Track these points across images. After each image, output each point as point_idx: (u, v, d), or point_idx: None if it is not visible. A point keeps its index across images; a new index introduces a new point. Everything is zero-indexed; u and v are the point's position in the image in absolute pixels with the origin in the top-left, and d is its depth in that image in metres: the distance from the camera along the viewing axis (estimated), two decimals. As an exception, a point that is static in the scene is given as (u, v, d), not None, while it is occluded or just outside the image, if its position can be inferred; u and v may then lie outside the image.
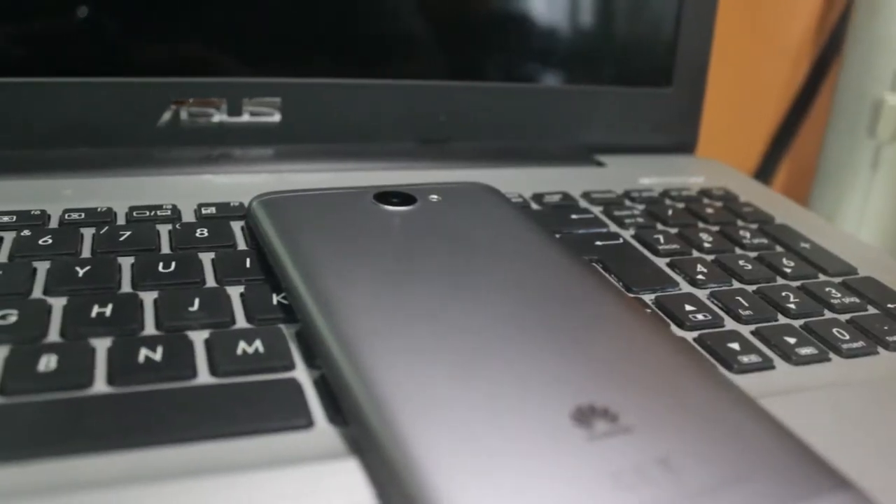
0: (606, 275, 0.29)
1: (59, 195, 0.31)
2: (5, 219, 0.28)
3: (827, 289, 0.29)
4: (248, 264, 0.26)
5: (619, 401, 0.19)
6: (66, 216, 0.29)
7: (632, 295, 0.27)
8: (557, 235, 0.31)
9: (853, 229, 0.55)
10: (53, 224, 0.28)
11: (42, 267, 0.25)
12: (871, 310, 0.28)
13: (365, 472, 0.18)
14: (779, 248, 0.33)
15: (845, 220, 0.55)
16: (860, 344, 0.26)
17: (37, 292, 0.24)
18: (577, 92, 0.42)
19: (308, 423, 0.19)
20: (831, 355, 0.25)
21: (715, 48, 0.61)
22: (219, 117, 0.36)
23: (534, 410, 0.18)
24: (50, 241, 0.27)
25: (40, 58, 0.33)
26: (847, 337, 0.26)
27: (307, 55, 0.37)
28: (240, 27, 0.36)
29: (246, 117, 0.36)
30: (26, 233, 0.27)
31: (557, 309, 0.23)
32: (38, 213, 0.29)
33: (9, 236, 0.27)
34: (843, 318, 0.28)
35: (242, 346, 0.22)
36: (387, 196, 0.29)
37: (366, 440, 0.18)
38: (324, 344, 0.20)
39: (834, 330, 0.26)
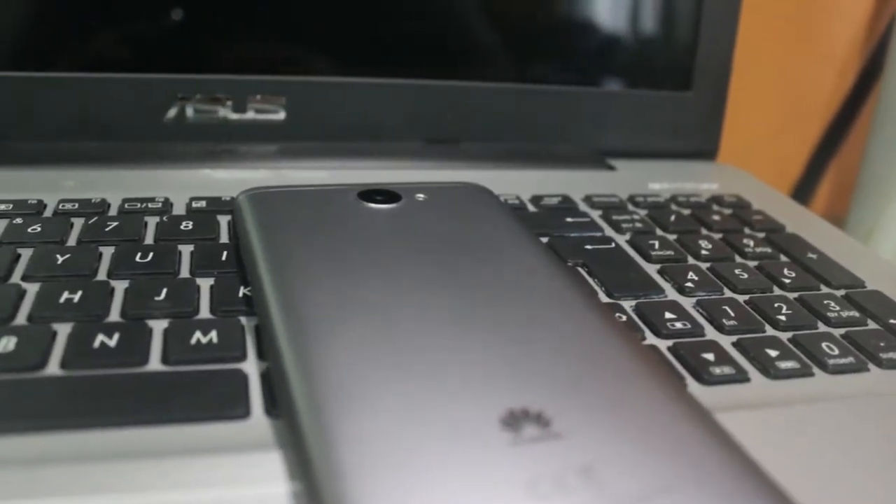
0: (589, 279, 0.28)
1: (60, 186, 0.32)
2: (2, 207, 0.29)
3: (826, 301, 0.28)
4: (224, 257, 0.27)
5: (556, 406, 0.18)
6: (61, 206, 0.30)
7: (611, 301, 0.27)
8: (546, 238, 0.31)
9: (893, 244, 0.52)
10: (48, 213, 0.29)
11: (26, 253, 0.26)
12: (872, 325, 0.27)
13: (286, 465, 0.18)
14: (783, 258, 0.31)
15: (886, 235, 0.53)
16: (849, 360, 0.24)
17: (15, 277, 0.25)
18: (591, 94, 0.41)
19: (244, 413, 0.19)
20: (815, 370, 0.24)
21: (757, 56, 0.59)
22: (224, 114, 0.36)
23: (463, 412, 0.18)
24: (39, 229, 0.28)
25: (51, 53, 0.34)
26: (836, 352, 0.25)
27: (313, 54, 0.37)
28: (246, 25, 0.36)
29: (251, 114, 0.37)
30: (18, 221, 0.28)
31: (517, 311, 0.22)
32: (35, 202, 0.30)
33: (2, 223, 0.28)
34: (838, 332, 0.26)
35: (198, 335, 0.22)
36: (372, 194, 0.29)
37: (289, 431, 0.18)
38: (268, 333, 0.20)
39: (823, 344, 0.25)
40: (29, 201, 0.30)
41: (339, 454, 0.16)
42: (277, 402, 0.19)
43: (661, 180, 0.39)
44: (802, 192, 0.64)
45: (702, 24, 0.40)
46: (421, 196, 0.29)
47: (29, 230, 0.27)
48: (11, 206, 0.29)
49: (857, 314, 0.27)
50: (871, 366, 0.25)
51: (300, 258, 0.24)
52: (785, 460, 0.20)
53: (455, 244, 0.26)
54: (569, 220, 0.32)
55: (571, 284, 0.24)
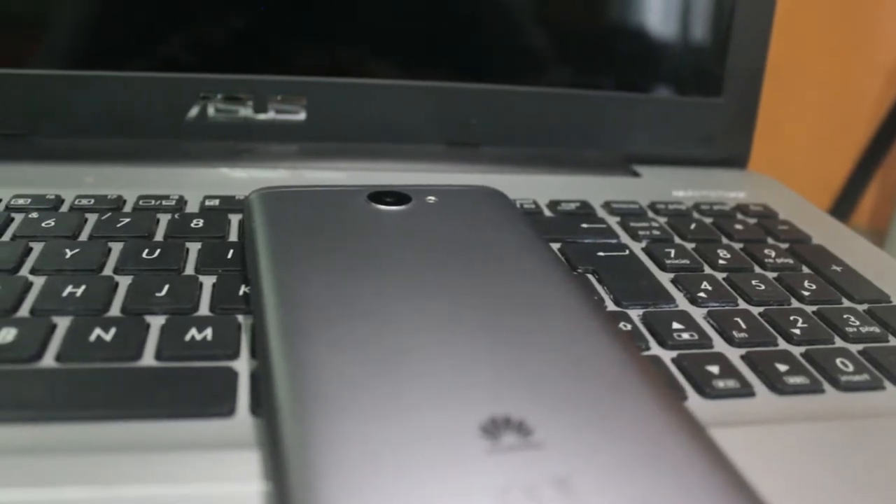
0: (598, 287, 0.27)
1: (80, 182, 0.32)
2: (21, 202, 0.30)
3: (846, 315, 0.27)
4: (229, 255, 0.27)
5: (540, 415, 0.18)
6: (77, 201, 0.30)
7: (619, 309, 0.26)
8: (559, 244, 0.30)
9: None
10: (64, 209, 0.30)
11: (38, 247, 0.26)
12: (893, 341, 0.26)
13: (264, 464, 0.18)
14: (805, 270, 0.30)
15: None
16: (864, 377, 0.23)
17: (24, 271, 0.25)
18: (618, 99, 0.40)
19: (229, 411, 0.19)
20: (826, 387, 0.23)
21: (801, 65, 0.58)
22: (245, 114, 0.36)
23: (444, 418, 0.17)
24: (52, 223, 0.28)
25: (77, 52, 0.35)
26: (850, 368, 0.24)
27: (335, 54, 0.37)
28: (268, 25, 0.36)
29: (272, 115, 0.37)
30: (33, 215, 0.29)
31: (514, 317, 0.22)
32: (53, 197, 0.30)
33: (20, 218, 0.29)
34: (855, 347, 0.25)
35: (192, 332, 0.22)
36: (382, 195, 0.28)
37: (267, 429, 0.18)
38: (259, 332, 0.20)
39: (837, 360, 0.24)
40: (47, 196, 0.30)
41: (313, 456, 0.16)
42: (261, 400, 0.19)
43: (685, 188, 0.38)
44: (845, 203, 0.62)
45: (733, 28, 0.39)
46: (431, 199, 0.29)
47: (43, 224, 0.28)
48: (30, 200, 0.30)
49: (877, 330, 0.26)
50: (887, 384, 0.23)
51: (301, 258, 0.24)
52: (780, 479, 0.19)
53: (460, 248, 0.25)
54: (584, 226, 0.32)
55: (575, 292, 0.23)
